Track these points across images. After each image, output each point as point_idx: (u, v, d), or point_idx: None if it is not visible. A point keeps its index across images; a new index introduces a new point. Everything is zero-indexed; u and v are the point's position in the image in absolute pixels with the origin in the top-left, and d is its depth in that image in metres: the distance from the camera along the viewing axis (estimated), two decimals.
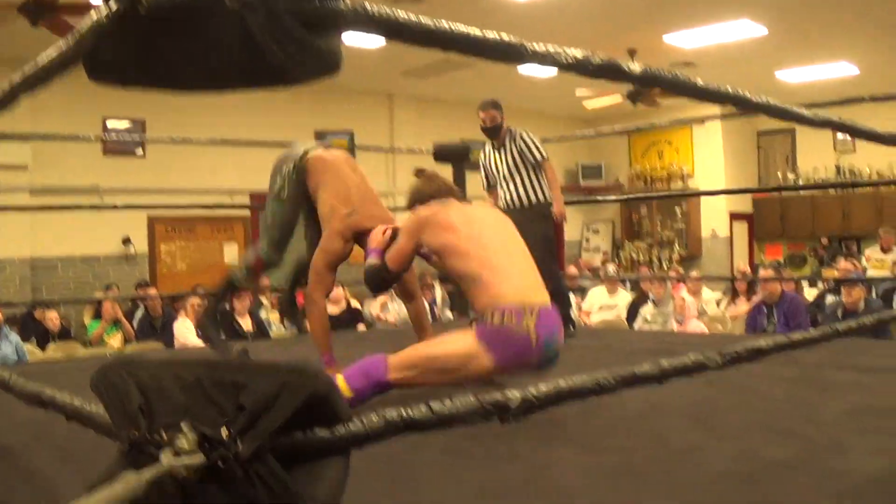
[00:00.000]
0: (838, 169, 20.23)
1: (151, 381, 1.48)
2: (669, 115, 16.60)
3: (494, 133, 8.47)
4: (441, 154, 9.30)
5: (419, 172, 5.27)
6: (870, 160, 19.41)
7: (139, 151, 15.37)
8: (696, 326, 11.45)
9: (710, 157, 20.73)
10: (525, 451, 3.80)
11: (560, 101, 19.11)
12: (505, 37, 1.81)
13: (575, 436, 4.06)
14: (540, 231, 8.11)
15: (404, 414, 1.55)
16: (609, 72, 1.99)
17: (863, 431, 3.98)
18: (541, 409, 1.78)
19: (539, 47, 1.85)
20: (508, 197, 8.38)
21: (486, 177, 8.65)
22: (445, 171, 9.60)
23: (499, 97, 8.64)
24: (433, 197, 5.01)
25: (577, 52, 1.93)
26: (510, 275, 4.42)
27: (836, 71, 16.57)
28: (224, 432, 1.43)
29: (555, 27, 13.42)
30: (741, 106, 2.42)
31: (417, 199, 5.07)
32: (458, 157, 9.46)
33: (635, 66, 2.05)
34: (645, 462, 3.67)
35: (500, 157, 8.44)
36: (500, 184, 8.44)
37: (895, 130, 3.21)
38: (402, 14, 1.61)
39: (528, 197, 8.33)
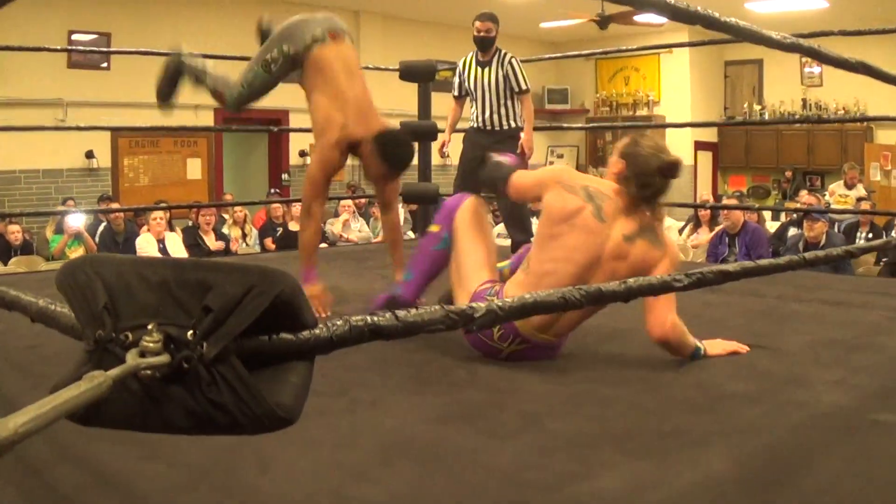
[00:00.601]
0: (805, 102, 20.24)
1: (118, 281, 1.47)
2: (638, 41, 16.59)
3: (486, 46, 8.38)
4: (407, 72, 9.25)
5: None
6: (836, 95, 19.41)
7: (104, 64, 15.18)
8: None
9: (676, 85, 20.69)
10: (487, 376, 3.81)
11: (528, 23, 18.99)
12: None
13: (537, 362, 4.02)
14: (512, 150, 7.97)
15: (370, 320, 1.55)
16: None
17: (822, 364, 4.02)
18: (505, 321, 1.78)
19: None
20: (481, 117, 8.34)
21: (460, 86, 8.58)
22: (409, 92, 9.61)
23: (463, 16, 8.56)
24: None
25: None
26: None
27: (805, 3, 16.55)
28: (189, 334, 1.43)
29: None
30: (711, 26, 2.40)
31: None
32: (424, 75, 9.40)
33: None
34: (607, 387, 3.69)
35: (484, 74, 8.34)
36: (476, 100, 8.37)
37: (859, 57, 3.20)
38: None
39: (500, 122, 8.31)
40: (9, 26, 12.96)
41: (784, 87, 20.46)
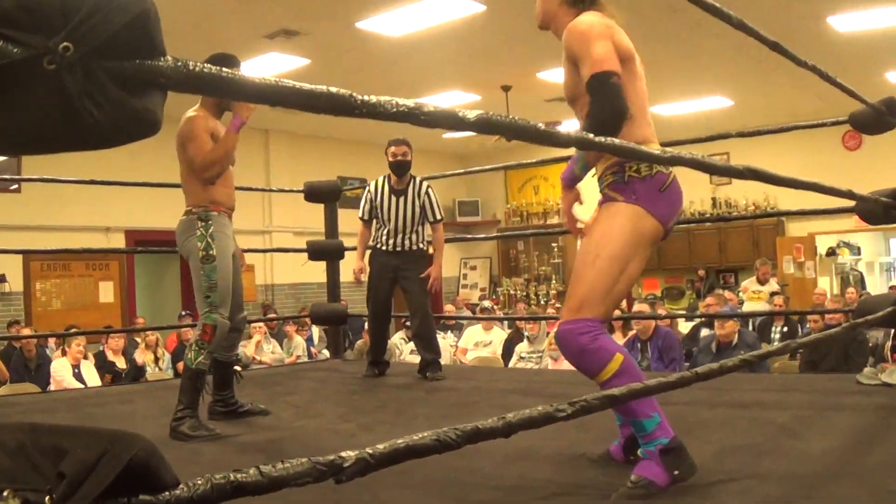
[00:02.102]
0: (714, 201, 20.45)
1: None
2: (546, 151, 16.72)
3: (403, 170, 8.41)
4: (312, 194, 9.27)
5: None
6: (746, 192, 19.66)
7: (14, 187, 15.01)
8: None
9: (586, 192, 20.67)
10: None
11: (434, 138, 19.14)
12: (333, 90, 1.77)
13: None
14: (421, 271, 8.32)
15: (232, 477, 1.51)
16: (444, 120, 1.96)
17: (728, 473, 3.99)
18: (377, 469, 1.74)
19: (369, 98, 1.82)
20: (390, 241, 8.38)
21: (370, 210, 8.52)
22: (317, 210, 9.59)
23: (375, 133, 8.62)
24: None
25: (408, 102, 1.89)
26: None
27: (712, 103, 16.83)
28: (47, 500, 1.39)
29: (429, 62, 13.46)
30: (581, 146, 2.41)
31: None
32: (330, 196, 9.44)
33: (470, 114, 2.02)
34: None
35: (399, 204, 8.36)
36: (386, 225, 8.38)
37: (769, 160, 3.26)
38: (226, 73, 1.58)
39: (409, 245, 8.37)
40: None
41: (693, 188, 20.58)
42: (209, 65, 1.62)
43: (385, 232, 8.40)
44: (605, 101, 3.76)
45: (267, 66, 13.22)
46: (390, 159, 8.40)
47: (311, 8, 11.01)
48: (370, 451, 1.71)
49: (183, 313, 15.84)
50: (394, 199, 8.36)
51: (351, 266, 8.73)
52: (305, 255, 9.59)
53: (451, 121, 1.98)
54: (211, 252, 5.92)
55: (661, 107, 16.71)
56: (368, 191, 8.56)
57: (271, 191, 14.51)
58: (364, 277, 8.54)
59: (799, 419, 5.25)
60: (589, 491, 3.86)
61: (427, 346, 8.44)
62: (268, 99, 1.67)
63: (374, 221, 8.54)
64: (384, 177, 8.54)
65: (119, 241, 15.71)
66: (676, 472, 3.73)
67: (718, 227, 20.11)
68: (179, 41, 11.64)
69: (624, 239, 3.87)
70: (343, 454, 1.67)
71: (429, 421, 5.95)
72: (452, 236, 19.08)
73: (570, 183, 4.16)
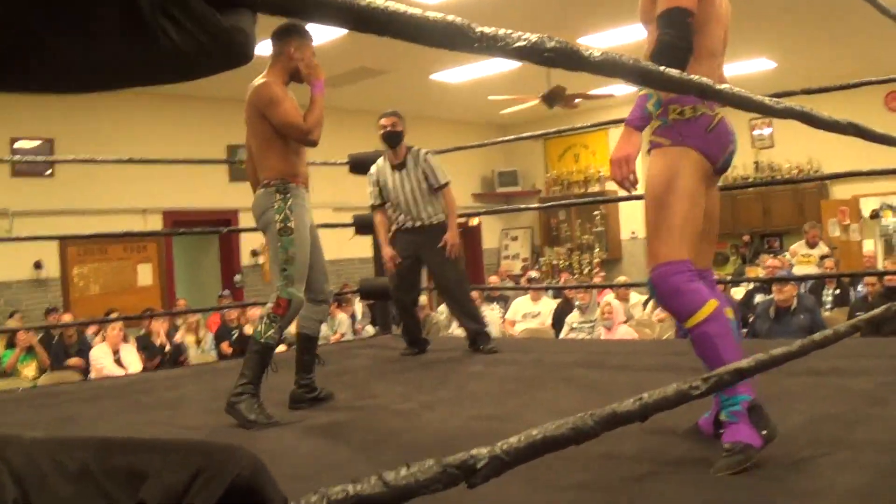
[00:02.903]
0: (757, 165, 20.20)
1: (29, 469, 1.14)
2: (586, 118, 16.46)
3: (395, 140, 8.23)
4: (357, 165, 9.06)
5: None
6: (788, 155, 19.45)
7: (48, 172, 14.87)
8: (625, 332, 11.20)
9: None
10: None
11: (474, 107, 18.98)
12: (450, 18, 1.50)
13: None
14: (439, 248, 8.17)
15: (351, 491, 1.23)
16: (565, 58, 1.70)
17: (825, 444, 3.77)
18: (514, 467, 1.50)
19: (487, 30, 1.55)
20: (411, 218, 8.24)
21: (379, 194, 8.39)
22: (355, 186, 9.37)
23: (412, 106, 8.49)
24: None
25: (530, 36, 1.63)
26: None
27: (753, 66, 16.51)
28: None
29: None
30: (704, 94, 2.16)
31: None
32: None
33: (595, 52, 1.77)
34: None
35: (403, 178, 8.23)
36: (401, 204, 8.25)
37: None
38: None
39: (430, 217, 8.23)
40: None
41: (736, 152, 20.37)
42: None
43: (399, 212, 8.28)
44: (668, 41, 3.71)
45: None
46: (380, 132, 8.25)
47: None
48: (504, 448, 1.46)
49: (224, 292, 15.68)
50: (396, 174, 8.23)
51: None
52: (346, 230, 9.43)
53: (571, 58, 1.71)
54: (289, 224, 5.73)
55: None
56: (371, 174, 8.45)
57: (312, 164, 14.28)
58: (398, 261, 8.29)
59: (883, 386, 5.04)
60: (686, 466, 3.67)
61: (470, 317, 8.34)
62: (373, 24, 1.41)
63: (388, 205, 8.39)
64: (382, 156, 8.44)
65: (156, 223, 15.60)
66: (764, 433, 3.60)
67: (761, 192, 19.90)
68: None
69: (683, 178, 3.84)
70: (474, 452, 1.42)
71: (493, 398, 5.75)
72: (493, 207, 19.00)
73: (642, 123, 3.83)
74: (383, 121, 8.24)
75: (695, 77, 2.11)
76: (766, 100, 2.47)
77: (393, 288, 8.44)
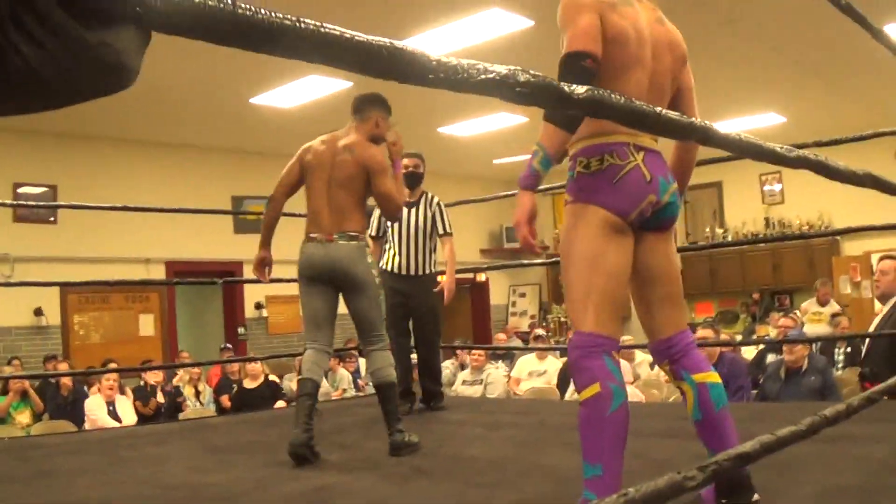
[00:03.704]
0: (767, 221, 20.05)
1: None
2: None
3: (415, 182, 8.38)
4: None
5: None
6: (799, 211, 19.30)
7: (52, 218, 14.74)
8: (632, 393, 10.96)
9: None
10: None
11: (482, 162, 18.91)
12: (399, 45, 1.28)
13: None
14: (430, 302, 8.30)
15: None
16: (543, 94, 1.48)
17: None
18: None
19: (447, 60, 1.33)
20: (404, 260, 8.30)
21: (378, 226, 8.47)
22: None
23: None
24: None
25: (498, 68, 1.41)
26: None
27: (763, 121, 16.38)
28: None
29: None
30: (707, 141, 1.95)
31: None
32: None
33: (579, 90, 1.55)
34: None
35: (411, 216, 8.28)
36: (399, 242, 8.31)
37: (818, 177, 2.81)
38: (243, 10, 1.10)
39: (421, 266, 8.32)
40: None
41: (745, 208, 20.31)
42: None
43: (395, 250, 8.33)
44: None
45: (309, 88, 12.85)
46: (402, 171, 8.12)
47: (356, 27, 10.55)
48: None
49: (225, 346, 15.49)
50: (405, 210, 8.18)
51: None
52: None
53: (555, 97, 1.49)
54: (378, 280, 6.22)
55: (716, 125, 16.28)
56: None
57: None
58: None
59: None
60: None
61: (434, 377, 8.51)
62: (277, 44, 1.20)
63: (384, 241, 8.49)
64: None
65: (159, 273, 15.45)
66: None
67: (772, 248, 19.75)
68: (218, 58, 11.32)
69: (579, 241, 3.63)
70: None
71: (491, 464, 5.53)
72: (500, 263, 18.89)
73: (529, 182, 3.60)
74: (406, 161, 8.21)
75: (696, 120, 1.89)
76: (779, 148, 2.26)
77: (390, 337, 8.26)
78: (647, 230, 3.74)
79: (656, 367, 12.92)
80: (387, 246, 8.40)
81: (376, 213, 8.33)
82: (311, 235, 6.20)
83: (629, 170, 3.60)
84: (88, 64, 0.98)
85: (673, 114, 1.88)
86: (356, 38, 1.26)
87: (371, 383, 6.37)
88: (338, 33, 1.23)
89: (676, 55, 3.88)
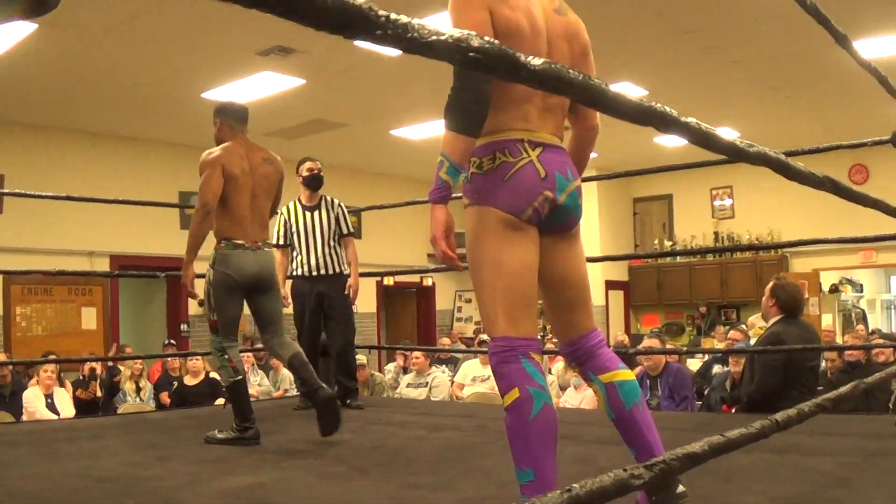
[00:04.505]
0: (717, 235, 20.18)
1: None
2: None
3: (318, 184, 8.57)
4: None
5: None
6: (749, 226, 19.50)
7: None
8: (574, 399, 10.97)
9: (585, 223, 20.38)
10: None
11: (434, 165, 18.75)
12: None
13: None
14: (345, 300, 8.49)
15: None
16: (496, 61, 1.39)
17: None
18: None
19: (396, 17, 1.24)
20: (315, 261, 8.43)
21: (286, 234, 8.55)
22: None
23: (370, 161, 8.63)
24: None
25: (452, 31, 1.32)
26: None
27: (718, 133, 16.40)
28: None
29: (433, 85, 12.98)
30: (700, 140, 1.88)
31: None
32: None
33: (536, 60, 1.47)
34: None
35: (314, 219, 8.47)
36: (302, 245, 8.46)
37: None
38: None
39: (334, 266, 8.46)
40: None
41: (695, 222, 20.46)
42: None
43: (303, 254, 8.46)
44: (451, 96, 3.44)
45: (260, 84, 12.71)
46: (306, 174, 8.62)
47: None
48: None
49: (167, 342, 15.34)
50: (307, 214, 8.49)
51: None
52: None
53: (509, 65, 1.41)
54: None
55: (667, 137, 16.29)
56: (281, 214, 8.59)
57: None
58: (288, 301, 8.42)
59: (845, 466, 4.78)
60: None
61: (349, 373, 8.63)
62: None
63: (291, 248, 8.60)
64: (294, 199, 8.68)
65: (104, 266, 15.26)
66: None
67: (720, 263, 19.98)
68: (170, 51, 11.22)
69: (479, 245, 3.56)
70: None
71: (429, 465, 5.47)
72: (444, 266, 18.83)
73: (440, 194, 3.53)
74: (309, 164, 8.60)
75: (656, 105, 1.81)
76: (739, 142, 2.19)
77: (299, 339, 8.45)
78: (549, 232, 3.64)
79: None
80: (294, 253, 8.53)
81: (280, 221, 8.55)
82: (238, 242, 6.42)
83: (521, 166, 3.50)
84: None
85: (630, 96, 1.78)
86: None
87: (292, 363, 6.36)
88: None
89: (576, 46, 3.73)
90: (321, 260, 8.37)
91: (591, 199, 20.04)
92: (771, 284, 7.93)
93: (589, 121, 3.92)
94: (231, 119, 6.65)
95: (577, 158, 3.91)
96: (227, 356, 6.35)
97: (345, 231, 8.53)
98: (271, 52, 11.40)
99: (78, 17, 9.89)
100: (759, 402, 7.54)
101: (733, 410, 8.45)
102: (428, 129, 15.97)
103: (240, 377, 6.35)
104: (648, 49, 11.61)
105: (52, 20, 9.87)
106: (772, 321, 7.93)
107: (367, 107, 14.12)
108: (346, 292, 8.45)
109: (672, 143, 16.72)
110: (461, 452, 5.91)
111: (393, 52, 11.36)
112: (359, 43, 10.79)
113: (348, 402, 8.40)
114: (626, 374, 3.66)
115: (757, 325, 15.51)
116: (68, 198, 9.47)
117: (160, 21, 10.26)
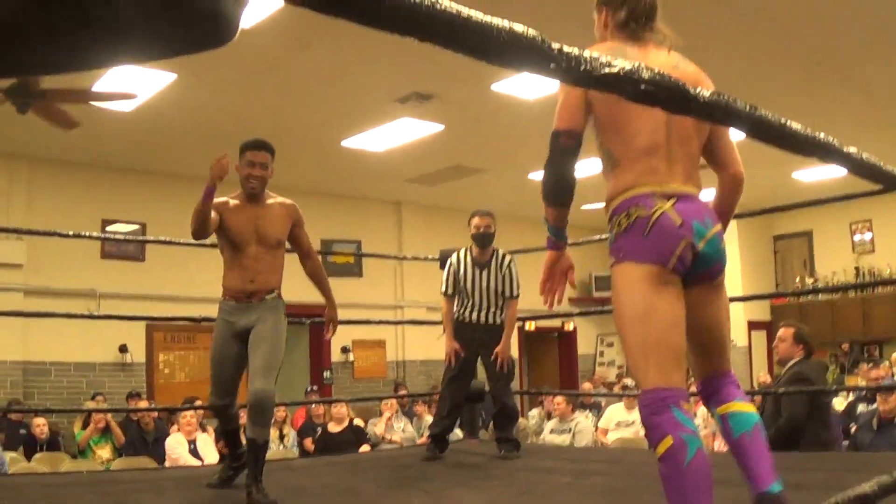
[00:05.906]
0: (858, 270, 19.78)
1: None
2: None
3: (486, 242, 8.34)
4: (446, 260, 8.92)
5: None
6: (890, 259, 19.03)
7: (139, 255, 14.94)
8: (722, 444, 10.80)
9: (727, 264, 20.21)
10: None
11: (572, 209, 18.65)
12: (519, 28, 1.17)
13: None
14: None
15: None
16: (667, 94, 1.39)
17: None
18: None
19: (569, 50, 1.23)
20: (482, 316, 8.32)
21: (455, 283, 8.41)
22: None
23: (506, 205, 8.55)
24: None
25: (623, 63, 1.32)
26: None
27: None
28: None
29: None
30: (835, 158, 1.85)
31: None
32: None
33: (704, 93, 1.46)
34: None
35: (483, 276, 8.30)
36: (474, 300, 8.32)
37: None
38: None
39: (492, 319, 8.31)
40: (43, 214, 13.24)
41: (835, 258, 20.09)
42: None
43: (469, 305, 8.33)
44: (546, 166, 3.80)
45: (399, 130, 12.80)
46: (473, 231, 8.37)
47: (444, 70, 10.52)
48: None
49: (311, 388, 15.44)
50: (477, 271, 8.31)
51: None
52: (439, 329, 9.20)
53: (679, 98, 1.40)
54: None
55: (801, 172, 16.05)
56: (451, 263, 8.50)
57: (404, 259, 14.08)
58: (461, 353, 8.30)
59: None
60: None
61: (507, 424, 8.42)
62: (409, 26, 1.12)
63: (457, 296, 8.44)
64: (465, 249, 8.51)
65: None
66: None
67: (862, 298, 19.54)
68: (309, 100, 11.34)
69: (624, 301, 3.63)
70: None
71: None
72: (588, 310, 18.72)
73: (554, 246, 4.05)
74: (477, 220, 8.32)
75: (819, 135, 1.78)
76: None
77: (448, 380, 8.39)
78: (695, 281, 3.70)
79: None
80: (459, 301, 8.40)
81: (450, 270, 8.46)
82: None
83: (657, 218, 3.57)
84: (178, 9, 0.89)
85: (797, 127, 1.76)
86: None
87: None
88: None
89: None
90: (487, 314, 8.27)
91: (732, 238, 19.76)
92: None
93: (732, 168, 3.97)
94: None
95: (723, 208, 4.01)
96: None
97: (508, 294, 8.32)
98: (409, 98, 11.48)
99: (217, 68, 10.04)
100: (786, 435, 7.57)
101: None
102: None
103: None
104: (780, 78, 11.44)
105: (192, 70, 10.04)
106: None
107: (505, 151, 14.12)
108: (491, 358, 8.23)
109: (810, 178, 16.46)
110: (611, 499, 5.86)
111: (530, 95, 11.38)
112: (496, 86, 10.90)
113: (503, 451, 8.19)
114: (741, 406, 3.71)
115: None
116: (212, 245, 9.61)
117: (299, 71, 10.40)
